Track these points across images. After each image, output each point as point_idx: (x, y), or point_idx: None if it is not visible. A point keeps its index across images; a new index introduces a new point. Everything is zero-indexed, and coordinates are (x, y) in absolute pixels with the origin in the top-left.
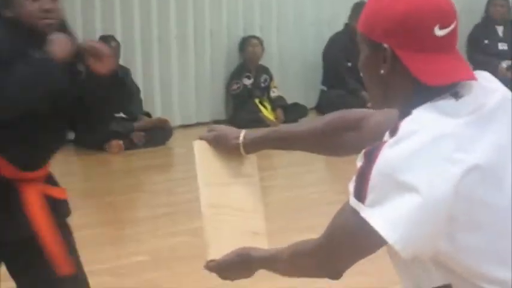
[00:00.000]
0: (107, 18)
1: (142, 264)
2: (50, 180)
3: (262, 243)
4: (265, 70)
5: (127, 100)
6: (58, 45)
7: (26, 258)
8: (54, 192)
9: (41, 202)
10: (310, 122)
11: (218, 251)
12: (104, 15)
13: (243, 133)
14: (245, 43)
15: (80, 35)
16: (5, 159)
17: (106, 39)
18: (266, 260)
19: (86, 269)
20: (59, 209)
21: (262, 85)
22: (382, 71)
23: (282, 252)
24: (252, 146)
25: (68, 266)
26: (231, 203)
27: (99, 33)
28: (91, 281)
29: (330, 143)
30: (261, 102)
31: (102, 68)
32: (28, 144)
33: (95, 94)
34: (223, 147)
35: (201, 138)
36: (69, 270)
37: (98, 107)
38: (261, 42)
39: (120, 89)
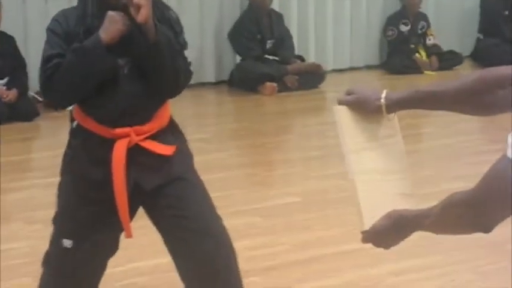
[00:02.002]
0: None
1: (292, 205)
2: (160, 136)
3: (414, 204)
4: (423, 17)
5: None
6: (107, 26)
7: (160, 208)
8: (156, 148)
9: (122, 156)
10: (454, 81)
11: (372, 219)
12: None
13: (384, 94)
14: None
15: None
16: (94, 119)
17: None
18: (418, 217)
19: (237, 208)
20: (165, 166)
21: (419, 32)
22: None
23: (435, 206)
24: (395, 107)
25: (128, 231)
26: (378, 167)
27: None
28: (241, 220)
29: (477, 102)
30: (416, 50)
31: (138, 17)
32: (111, 102)
33: (147, 56)
34: (364, 109)
35: (340, 102)
36: (128, 235)
37: (153, 72)
38: None
39: (164, 48)
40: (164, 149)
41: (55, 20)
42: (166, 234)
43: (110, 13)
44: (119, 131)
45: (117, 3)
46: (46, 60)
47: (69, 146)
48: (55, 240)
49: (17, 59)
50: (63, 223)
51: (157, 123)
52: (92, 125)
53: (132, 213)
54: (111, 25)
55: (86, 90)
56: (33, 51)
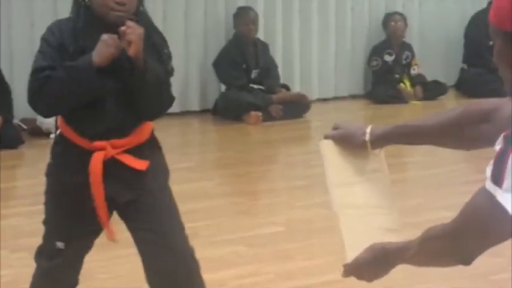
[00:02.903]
0: None
1: (277, 235)
2: (137, 151)
3: (397, 239)
4: (408, 47)
5: (163, 96)
6: (101, 49)
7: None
8: (131, 162)
9: (99, 168)
10: (438, 115)
11: (354, 252)
12: None
13: (369, 129)
14: (388, 19)
15: (222, 5)
16: (75, 131)
17: (244, 9)
18: (400, 250)
19: (222, 237)
20: (138, 181)
21: (404, 62)
22: None
23: (416, 239)
24: (379, 142)
25: (110, 234)
26: (362, 201)
27: (240, 4)
28: (226, 249)
29: (461, 136)
30: (401, 80)
31: (129, 51)
32: (93, 118)
33: (133, 83)
34: (349, 144)
35: (326, 137)
36: (111, 237)
37: (137, 98)
38: (404, 18)
39: (151, 80)
40: (138, 164)
41: (50, 30)
42: (137, 246)
43: (104, 36)
44: (96, 143)
45: (109, 23)
46: (36, 70)
47: (52, 152)
48: (48, 241)
49: (2, 85)
50: (51, 227)
51: (136, 138)
52: (72, 136)
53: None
54: (105, 49)
55: (71, 106)
56: (18, 77)
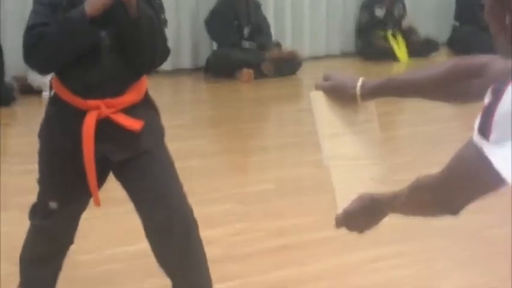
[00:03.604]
0: None
1: (267, 192)
2: (131, 110)
3: (386, 190)
4: (400, 0)
5: (158, 46)
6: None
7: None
8: (125, 122)
9: (91, 128)
10: (429, 69)
11: (345, 203)
12: None
13: (359, 82)
14: None
15: None
16: (69, 90)
17: None
18: (388, 199)
19: (213, 195)
20: (133, 140)
21: (396, 15)
22: (507, 20)
23: (404, 188)
24: (370, 95)
25: (96, 200)
26: (353, 152)
27: None
28: (217, 207)
29: (451, 90)
30: (393, 35)
31: None
32: (87, 73)
33: (127, 31)
34: (340, 96)
35: (317, 88)
36: (96, 203)
37: (131, 47)
38: None
39: (146, 26)
40: (132, 124)
41: None
42: (135, 205)
43: None
44: (90, 103)
45: None
46: (30, 28)
47: (46, 113)
48: (41, 200)
49: None
50: (45, 187)
51: (130, 97)
52: (66, 96)
53: (101, 181)
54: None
55: (67, 59)
56: (9, 35)
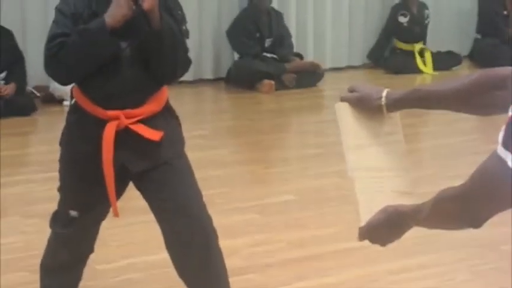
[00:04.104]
0: None
1: (289, 203)
2: (151, 121)
3: (410, 202)
4: (426, 6)
5: (180, 55)
6: (113, 11)
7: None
8: (145, 132)
9: (110, 138)
10: (453, 81)
11: (369, 215)
12: None
13: (385, 93)
14: None
15: None
16: (90, 99)
17: None
18: (412, 212)
19: (234, 205)
20: (152, 151)
21: (426, 21)
22: None
23: (428, 201)
24: (395, 106)
25: (115, 211)
26: (377, 164)
27: None
28: (239, 217)
29: (475, 102)
30: (419, 47)
31: (144, 4)
32: (108, 84)
33: (149, 42)
34: (365, 107)
35: (342, 100)
36: (115, 214)
37: (153, 58)
38: None
39: (167, 38)
40: (152, 134)
41: (64, 0)
42: (155, 215)
43: None
44: (110, 113)
45: None
46: (51, 38)
47: (67, 121)
48: (62, 208)
49: (15, 53)
50: (66, 195)
51: (150, 107)
52: (87, 105)
53: (121, 191)
54: (117, 10)
55: (87, 70)
56: (31, 45)
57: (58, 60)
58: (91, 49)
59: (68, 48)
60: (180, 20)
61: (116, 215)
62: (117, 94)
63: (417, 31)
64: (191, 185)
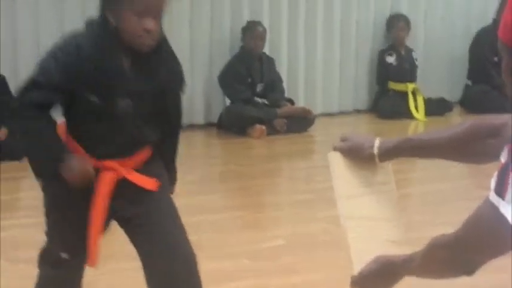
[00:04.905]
0: (255, 3)
1: (280, 248)
2: (145, 169)
3: (403, 252)
4: (412, 50)
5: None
6: (72, 172)
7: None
8: (142, 183)
9: (108, 190)
10: (446, 129)
11: (361, 264)
12: (252, 1)
13: (377, 142)
14: (391, 20)
15: (228, 20)
16: (83, 149)
17: (253, 24)
18: (404, 262)
19: (225, 251)
20: (146, 197)
21: (416, 63)
22: None
23: (420, 250)
24: (387, 155)
25: (92, 261)
26: (370, 213)
27: (246, 19)
28: (230, 263)
29: (468, 151)
30: (413, 92)
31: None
32: (105, 136)
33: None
34: (357, 157)
35: (334, 149)
36: (92, 264)
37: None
38: (407, 20)
39: None
40: (149, 184)
41: (65, 48)
42: (138, 248)
43: (78, 166)
44: (106, 163)
45: (135, 48)
46: (31, 84)
47: None
48: (51, 251)
49: (7, 97)
50: (55, 239)
51: (144, 154)
52: (78, 152)
53: (105, 227)
54: (72, 173)
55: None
56: None
57: (20, 116)
58: (39, 153)
59: (27, 120)
60: (181, 79)
61: (92, 264)
62: (113, 147)
63: (407, 68)
64: (176, 220)
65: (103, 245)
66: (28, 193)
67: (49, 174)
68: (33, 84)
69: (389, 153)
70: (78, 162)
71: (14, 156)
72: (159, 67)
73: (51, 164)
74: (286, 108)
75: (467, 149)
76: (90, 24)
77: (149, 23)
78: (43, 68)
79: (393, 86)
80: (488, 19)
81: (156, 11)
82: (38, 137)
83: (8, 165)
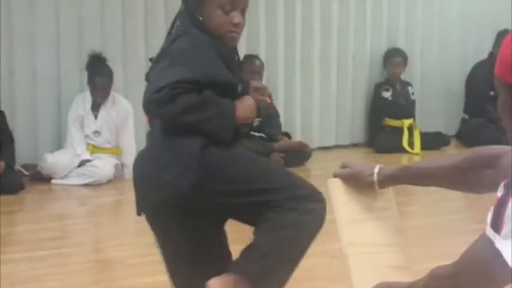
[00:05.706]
0: (252, 37)
1: None
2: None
3: (406, 277)
4: (409, 84)
5: None
6: (245, 112)
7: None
8: None
9: None
10: (445, 158)
11: None
12: (249, 35)
13: (376, 169)
14: (387, 55)
15: None
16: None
17: (250, 58)
18: None
19: None
20: None
21: (412, 97)
22: None
23: (421, 279)
24: (386, 182)
25: None
26: (371, 239)
27: (243, 52)
28: None
29: (466, 180)
30: (409, 128)
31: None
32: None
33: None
34: (358, 184)
35: (335, 176)
36: None
37: None
38: (403, 55)
39: None
40: None
41: (201, 43)
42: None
43: (250, 101)
44: None
45: (223, 43)
46: (179, 81)
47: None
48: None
49: (5, 132)
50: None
51: None
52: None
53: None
54: (249, 114)
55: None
56: (20, 125)
57: (175, 103)
58: (210, 124)
59: (197, 102)
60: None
61: None
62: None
63: (403, 104)
64: None
65: None
66: (25, 227)
67: (231, 129)
68: (183, 81)
69: (389, 180)
70: (245, 100)
71: (11, 189)
72: (239, 63)
73: (229, 116)
74: (283, 142)
75: (464, 178)
76: (186, 32)
77: (238, 17)
78: (182, 66)
79: (389, 122)
80: (484, 52)
81: (242, 6)
82: (209, 106)
83: (4, 198)
